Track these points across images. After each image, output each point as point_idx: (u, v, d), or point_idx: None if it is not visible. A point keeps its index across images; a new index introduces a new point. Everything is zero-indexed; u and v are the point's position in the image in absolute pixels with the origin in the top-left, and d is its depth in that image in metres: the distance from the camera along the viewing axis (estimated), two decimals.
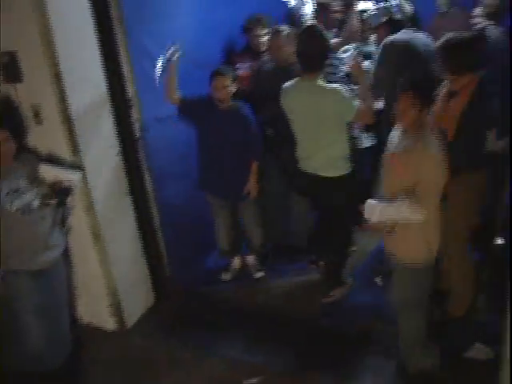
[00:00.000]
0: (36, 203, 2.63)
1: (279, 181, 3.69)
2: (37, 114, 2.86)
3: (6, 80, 2.84)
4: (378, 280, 3.45)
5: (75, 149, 2.89)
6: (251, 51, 3.80)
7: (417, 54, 3.26)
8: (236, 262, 3.85)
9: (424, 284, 2.51)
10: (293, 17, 3.90)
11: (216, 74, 3.24)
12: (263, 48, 3.72)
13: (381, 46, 3.42)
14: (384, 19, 3.50)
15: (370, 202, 2.38)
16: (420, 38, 3.34)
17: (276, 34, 3.42)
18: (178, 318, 3.48)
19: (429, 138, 2.31)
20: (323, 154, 3.04)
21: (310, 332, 3.21)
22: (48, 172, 2.73)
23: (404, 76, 2.41)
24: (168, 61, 3.12)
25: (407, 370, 2.71)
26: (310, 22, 3.41)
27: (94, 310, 3.35)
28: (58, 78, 2.74)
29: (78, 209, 2.98)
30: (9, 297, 2.72)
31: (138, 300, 3.48)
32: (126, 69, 3.13)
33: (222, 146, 3.36)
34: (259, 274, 3.77)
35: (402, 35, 3.35)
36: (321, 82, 2.93)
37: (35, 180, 2.68)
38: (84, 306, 3.34)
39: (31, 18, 2.63)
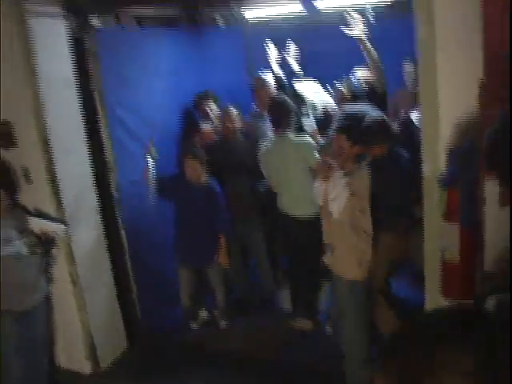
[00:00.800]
0: (25, 251, 3.05)
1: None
2: (26, 175, 3.35)
3: (2, 145, 3.35)
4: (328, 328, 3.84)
5: (59, 205, 3.35)
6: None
7: None
8: (203, 313, 4.23)
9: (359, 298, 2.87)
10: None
11: (187, 156, 3.72)
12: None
13: None
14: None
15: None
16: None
17: (225, 114, 4.08)
18: (148, 360, 3.81)
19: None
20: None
21: (269, 370, 3.57)
22: (36, 224, 3.17)
23: None
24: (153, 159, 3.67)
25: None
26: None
27: (71, 354, 3.65)
28: (46, 145, 3.26)
29: (60, 259, 3.40)
30: None
31: (111, 344, 3.81)
32: (105, 137, 3.68)
33: (193, 218, 3.80)
34: (223, 324, 4.14)
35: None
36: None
37: (24, 231, 3.11)
38: (61, 350, 3.64)
39: (26, 94, 3.18)
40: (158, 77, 4.15)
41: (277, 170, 3.70)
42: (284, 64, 4.15)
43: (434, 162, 2.33)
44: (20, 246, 3.04)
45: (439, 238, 2.21)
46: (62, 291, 3.50)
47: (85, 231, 3.56)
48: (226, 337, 4.03)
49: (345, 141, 2.74)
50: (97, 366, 3.67)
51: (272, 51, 4.16)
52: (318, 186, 2.88)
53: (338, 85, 4.05)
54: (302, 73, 4.17)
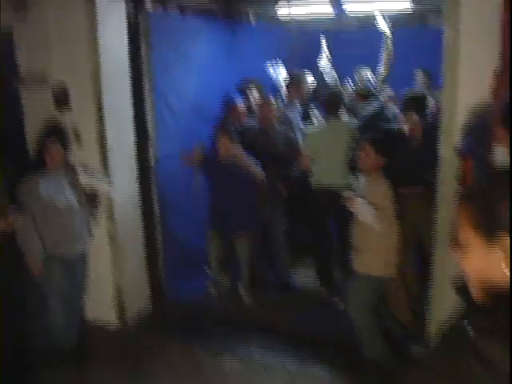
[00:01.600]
0: (75, 202, 3.44)
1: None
2: (78, 136, 3.76)
3: (57, 105, 3.75)
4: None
5: (106, 166, 3.76)
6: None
7: None
8: (226, 282, 4.61)
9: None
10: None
11: (219, 134, 4.14)
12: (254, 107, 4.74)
13: None
14: None
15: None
16: None
17: (265, 104, 4.50)
18: (172, 321, 4.19)
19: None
20: None
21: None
22: (84, 180, 3.56)
23: None
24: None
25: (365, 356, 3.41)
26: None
27: (100, 308, 4.01)
28: (100, 110, 3.68)
29: (101, 216, 3.79)
30: (43, 280, 3.43)
31: (138, 303, 4.20)
32: (149, 112, 4.10)
33: (228, 191, 4.17)
34: (248, 300, 4.46)
35: None
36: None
37: (75, 185, 3.50)
38: (90, 303, 3.98)
39: (85, 58, 3.60)
40: (197, 61, 4.61)
41: (326, 148, 4.15)
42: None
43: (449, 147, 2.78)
44: (71, 197, 3.43)
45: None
46: (99, 246, 3.87)
47: (123, 195, 3.96)
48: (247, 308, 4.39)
49: (373, 152, 3.18)
50: (123, 322, 4.04)
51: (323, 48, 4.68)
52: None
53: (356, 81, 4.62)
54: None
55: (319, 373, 3.49)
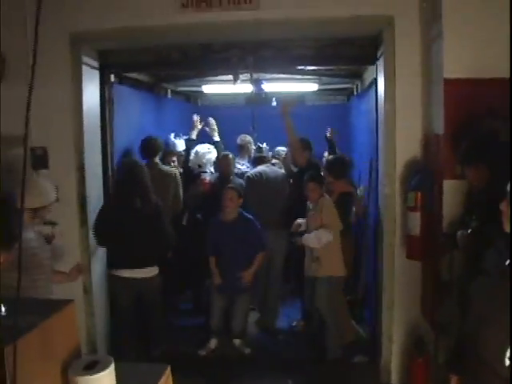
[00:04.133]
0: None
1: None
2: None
3: (34, 167, 4.11)
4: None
5: (84, 223, 4.18)
6: None
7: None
8: (213, 342, 4.85)
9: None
10: None
11: (227, 189, 4.73)
12: None
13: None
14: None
15: (308, 235, 4.29)
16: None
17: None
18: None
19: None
20: None
21: None
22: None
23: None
24: None
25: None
26: None
27: None
28: (80, 169, 4.15)
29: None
30: None
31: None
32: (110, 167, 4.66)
33: (231, 249, 4.67)
34: (247, 350, 4.82)
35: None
36: None
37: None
38: None
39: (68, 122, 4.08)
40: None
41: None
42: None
43: (392, 186, 3.93)
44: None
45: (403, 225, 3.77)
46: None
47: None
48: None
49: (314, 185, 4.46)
50: None
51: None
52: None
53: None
54: None
55: None
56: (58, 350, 1.33)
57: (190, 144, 5.83)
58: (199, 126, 5.93)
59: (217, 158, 5.77)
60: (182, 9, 3.87)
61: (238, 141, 5.97)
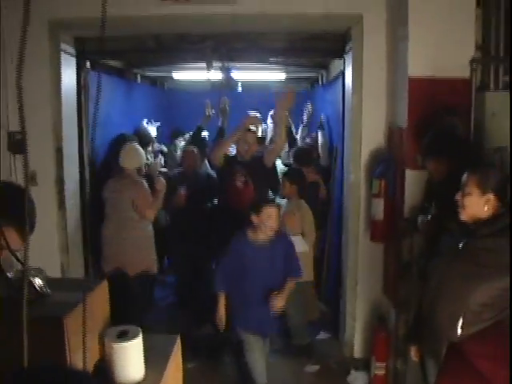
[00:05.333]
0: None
1: None
2: (33, 178, 4.28)
3: (12, 151, 4.24)
4: None
5: (62, 206, 4.34)
6: None
7: None
8: None
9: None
10: None
11: (267, 205, 3.50)
12: None
13: None
14: None
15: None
16: None
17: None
18: None
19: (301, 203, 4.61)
20: None
21: None
22: None
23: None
24: None
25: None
26: None
27: None
28: (58, 152, 4.29)
29: None
30: None
31: None
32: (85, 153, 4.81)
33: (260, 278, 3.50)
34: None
35: None
36: None
37: None
38: None
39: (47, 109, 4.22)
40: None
41: None
42: None
43: (356, 173, 4.26)
44: None
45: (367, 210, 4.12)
46: None
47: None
48: None
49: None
50: None
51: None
52: None
53: None
54: None
55: None
56: (96, 321, 1.55)
57: (222, 133, 5.56)
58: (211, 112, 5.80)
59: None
60: (161, 1, 4.05)
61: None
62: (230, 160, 4.65)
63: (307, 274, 4.48)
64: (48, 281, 1.51)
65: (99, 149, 5.17)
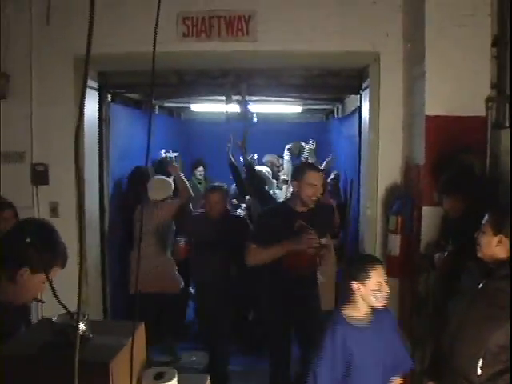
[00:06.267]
0: None
1: None
2: (55, 209, 4.39)
3: (34, 183, 4.36)
4: None
5: (82, 238, 4.42)
6: None
7: None
8: None
9: None
10: None
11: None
12: None
13: None
14: None
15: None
16: None
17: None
18: None
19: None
20: None
21: None
22: None
23: None
24: None
25: None
26: None
27: None
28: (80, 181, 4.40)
29: None
30: None
31: None
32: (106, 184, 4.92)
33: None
34: None
35: None
36: None
37: None
38: None
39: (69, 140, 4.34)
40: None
41: None
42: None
43: (373, 208, 4.32)
44: None
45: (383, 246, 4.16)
46: None
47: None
48: None
49: None
50: None
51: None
52: None
53: None
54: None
55: None
56: (136, 363, 1.61)
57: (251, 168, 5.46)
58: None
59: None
60: (183, 37, 4.20)
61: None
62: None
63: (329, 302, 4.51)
64: (90, 324, 1.58)
65: (119, 180, 5.29)
